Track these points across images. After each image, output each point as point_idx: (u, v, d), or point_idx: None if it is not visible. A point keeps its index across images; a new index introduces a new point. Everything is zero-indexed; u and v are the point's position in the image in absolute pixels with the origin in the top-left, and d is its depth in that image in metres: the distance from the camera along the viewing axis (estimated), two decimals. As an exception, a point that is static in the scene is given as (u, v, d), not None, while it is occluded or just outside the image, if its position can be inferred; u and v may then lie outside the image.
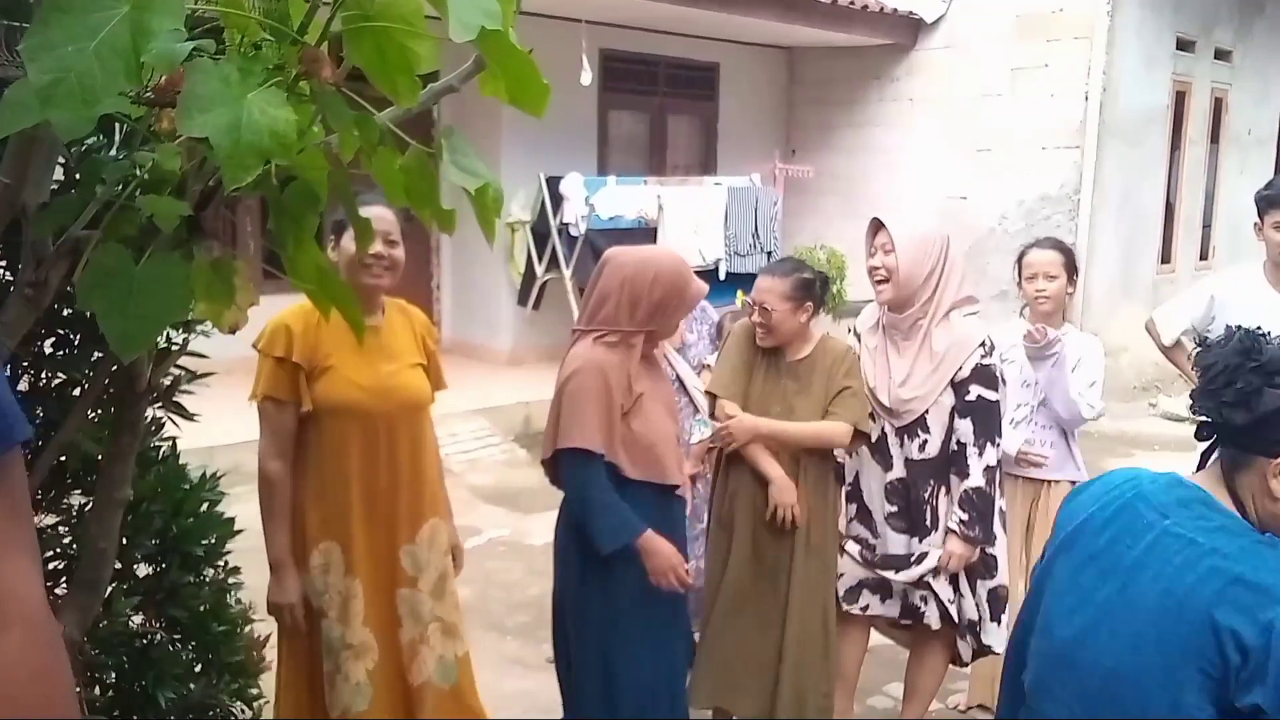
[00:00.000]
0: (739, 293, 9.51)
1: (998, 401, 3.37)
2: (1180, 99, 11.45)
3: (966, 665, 3.71)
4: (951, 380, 3.36)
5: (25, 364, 1.93)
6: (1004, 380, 3.44)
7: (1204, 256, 12.58)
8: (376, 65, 1.36)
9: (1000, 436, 3.38)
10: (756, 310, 3.41)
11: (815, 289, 3.42)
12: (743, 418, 3.37)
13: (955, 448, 3.36)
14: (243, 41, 1.33)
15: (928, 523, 3.42)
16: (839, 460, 3.50)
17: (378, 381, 2.92)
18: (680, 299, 3.03)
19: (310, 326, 2.85)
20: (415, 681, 3.02)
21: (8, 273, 1.77)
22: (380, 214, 2.71)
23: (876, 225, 3.47)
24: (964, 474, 3.34)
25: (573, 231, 9.01)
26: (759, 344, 3.44)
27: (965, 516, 3.33)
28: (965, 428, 3.34)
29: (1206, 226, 12.57)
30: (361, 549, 2.90)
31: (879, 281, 3.42)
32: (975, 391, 3.34)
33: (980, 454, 3.33)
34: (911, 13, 10.89)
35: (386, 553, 2.97)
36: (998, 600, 3.51)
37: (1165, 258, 11.79)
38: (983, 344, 3.37)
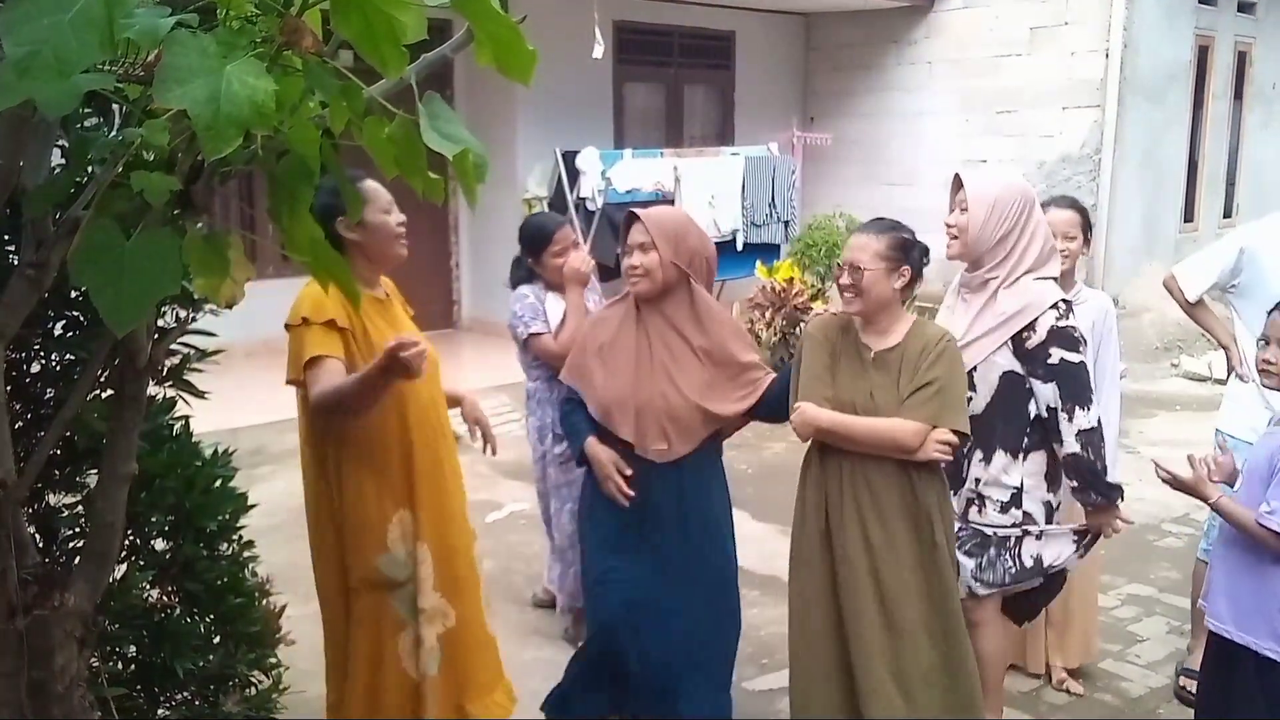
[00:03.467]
0: (758, 263, 9.49)
1: (1082, 362, 3.22)
2: (1203, 54, 11.28)
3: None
4: (1016, 342, 3.24)
5: (35, 345, 1.96)
6: (1085, 341, 3.28)
7: (1228, 214, 12.42)
8: (363, 36, 1.36)
9: (1092, 399, 3.22)
10: (846, 271, 3.08)
11: (916, 255, 3.07)
12: (805, 408, 3.06)
13: (1046, 413, 3.24)
14: (228, 16, 1.34)
15: (962, 476, 3.34)
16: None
17: None
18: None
19: (339, 297, 2.77)
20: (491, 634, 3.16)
21: (13, 255, 1.79)
22: (378, 187, 2.71)
23: (959, 182, 3.38)
24: (1059, 441, 3.21)
25: (590, 206, 9.01)
26: (846, 310, 3.15)
27: (1075, 483, 3.25)
28: (1049, 393, 3.21)
29: (1230, 184, 12.41)
30: (429, 514, 2.91)
31: (951, 239, 3.36)
32: (1057, 355, 3.19)
33: (1070, 419, 3.18)
34: (928, -25, 10.78)
35: (459, 513, 3.05)
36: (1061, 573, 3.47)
37: (1188, 216, 11.67)
38: (1055, 306, 3.22)
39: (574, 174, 9.13)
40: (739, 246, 9.80)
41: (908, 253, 3.04)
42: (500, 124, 9.39)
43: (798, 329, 8.72)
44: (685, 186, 9.38)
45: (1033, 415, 3.28)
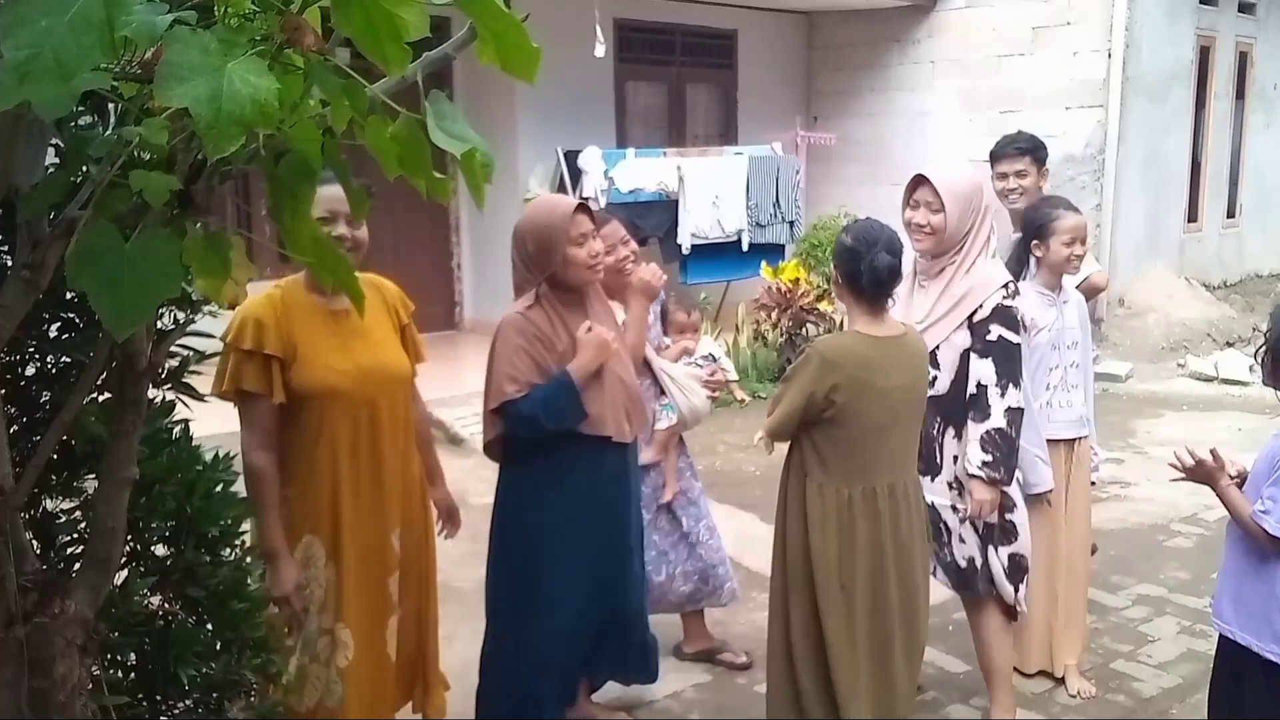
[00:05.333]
0: (763, 264, 9.47)
1: (1019, 344, 3.34)
2: (1204, 54, 11.32)
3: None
4: (970, 320, 3.35)
5: (31, 348, 1.93)
6: (1026, 326, 3.40)
7: (1231, 214, 12.44)
8: (364, 33, 1.34)
9: (1021, 379, 3.35)
10: None
11: (851, 261, 3.04)
12: None
13: (975, 390, 3.34)
14: (227, 14, 1.31)
15: (938, 460, 3.44)
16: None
17: (355, 364, 2.89)
18: (549, 237, 3.11)
19: (280, 316, 2.81)
20: (393, 654, 3.06)
21: (7, 255, 1.77)
22: (336, 193, 2.60)
23: (919, 180, 3.45)
24: (985, 415, 3.30)
25: (593, 206, 8.97)
26: None
27: (988, 457, 3.29)
28: (986, 368, 3.31)
29: (1233, 184, 12.44)
30: (348, 538, 2.89)
31: (924, 236, 3.43)
32: (996, 332, 3.31)
33: (1002, 395, 3.29)
34: (930, -27, 10.77)
35: (378, 540, 2.96)
36: (1018, 568, 3.49)
37: (1192, 216, 11.68)
38: (1005, 285, 3.35)
39: (576, 173, 9.11)
40: (744, 247, 9.78)
41: (842, 259, 3.09)
42: (501, 123, 9.36)
43: (803, 329, 8.70)
44: (689, 186, 9.35)
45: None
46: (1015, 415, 3.31)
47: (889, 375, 3.02)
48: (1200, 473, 2.94)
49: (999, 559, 3.47)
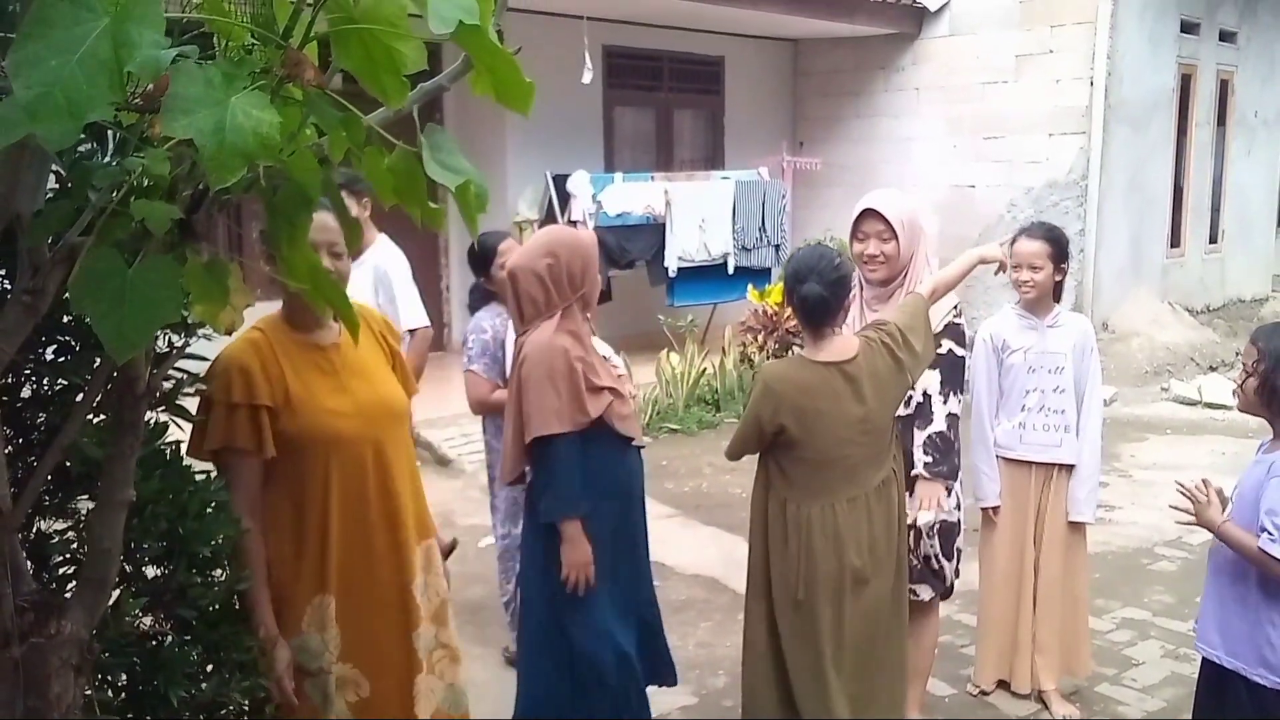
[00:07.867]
0: (749, 287, 9.53)
1: (964, 357, 3.56)
2: (1186, 82, 11.47)
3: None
4: None
5: (28, 371, 1.96)
6: (970, 343, 3.65)
7: (1213, 240, 12.59)
8: (364, 67, 1.38)
9: (963, 389, 3.56)
10: None
11: (789, 290, 3.16)
12: None
13: (921, 399, 3.48)
14: (228, 46, 1.35)
15: (911, 476, 3.52)
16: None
17: (355, 404, 2.63)
18: (591, 256, 3.29)
19: (268, 359, 2.55)
20: (423, 715, 2.76)
21: (7, 280, 1.79)
22: (323, 222, 2.34)
23: (865, 213, 3.54)
24: (929, 420, 3.46)
25: (581, 229, 9.02)
26: None
27: (929, 459, 3.45)
28: (933, 378, 3.47)
29: (1215, 209, 12.59)
30: (361, 591, 2.64)
31: (878, 265, 3.53)
32: (946, 345, 3.49)
33: (944, 402, 3.47)
34: (915, 1, 10.90)
35: (398, 593, 2.70)
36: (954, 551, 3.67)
37: (1174, 241, 11.81)
38: (955, 306, 3.54)
39: (564, 197, 9.16)
40: (730, 270, 9.84)
41: (783, 281, 3.27)
42: (490, 147, 9.42)
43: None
44: (676, 210, 9.42)
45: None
46: (953, 420, 3.49)
47: (839, 399, 3.08)
48: (1203, 515, 2.93)
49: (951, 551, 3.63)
